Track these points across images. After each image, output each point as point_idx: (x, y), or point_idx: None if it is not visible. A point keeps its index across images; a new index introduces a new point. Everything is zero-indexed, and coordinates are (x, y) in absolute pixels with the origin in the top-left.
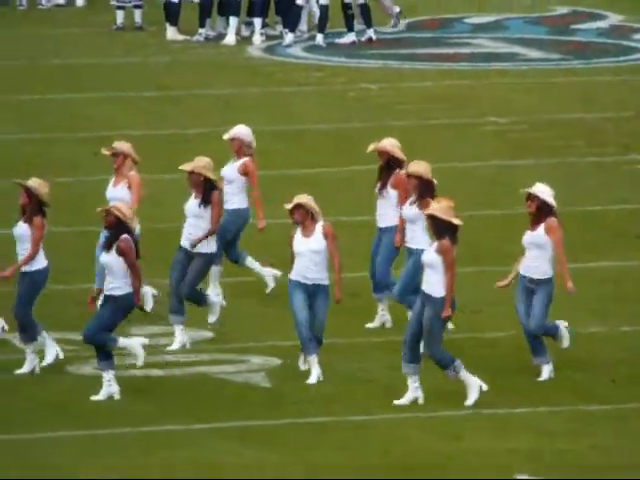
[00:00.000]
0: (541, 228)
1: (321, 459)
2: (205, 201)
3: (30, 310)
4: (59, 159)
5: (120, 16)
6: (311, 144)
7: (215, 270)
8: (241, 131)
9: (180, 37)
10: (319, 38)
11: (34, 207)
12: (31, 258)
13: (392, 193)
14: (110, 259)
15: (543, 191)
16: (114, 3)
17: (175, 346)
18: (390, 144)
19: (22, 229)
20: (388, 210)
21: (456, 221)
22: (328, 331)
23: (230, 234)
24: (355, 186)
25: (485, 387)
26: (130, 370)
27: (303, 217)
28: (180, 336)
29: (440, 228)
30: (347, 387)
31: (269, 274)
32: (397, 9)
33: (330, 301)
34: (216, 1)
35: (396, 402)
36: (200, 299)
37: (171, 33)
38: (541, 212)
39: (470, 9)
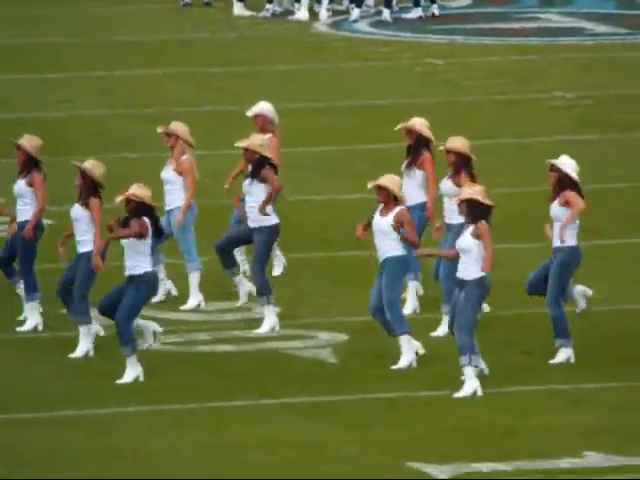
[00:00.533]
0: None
1: (389, 435)
2: (255, 177)
3: (88, 291)
4: (128, 135)
5: None
6: (377, 119)
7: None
8: (264, 107)
9: (247, 13)
10: (386, 13)
11: (89, 188)
12: (98, 238)
13: (418, 173)
14: (128, 241)
15: (565, 164)
16: None
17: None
18: (419, 123)
19: (77, 211)
20: (413, 189)
21: (491, 203)
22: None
23: None
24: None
25: (480, 393)
26: (198, 346)
27: (385, 199)
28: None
29: (477, 212)
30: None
31: (279, 260)
32: None
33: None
34: None
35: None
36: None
37: (238, 9)
38: (562, 184)
39: None
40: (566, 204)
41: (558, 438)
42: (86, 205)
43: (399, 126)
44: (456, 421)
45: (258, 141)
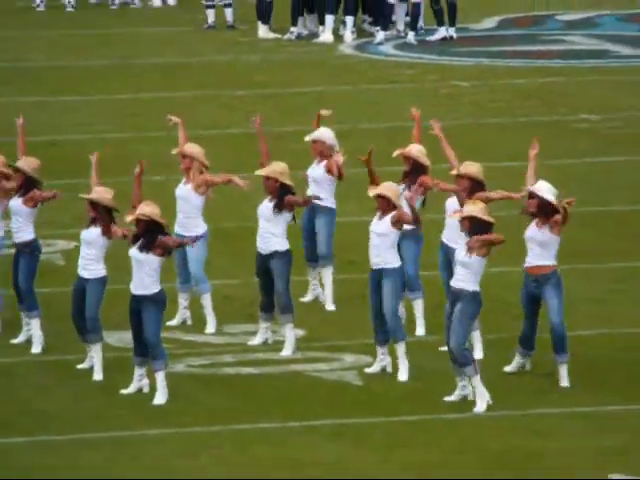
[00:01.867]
0: (547, 227)
1: (414, 457)
2: (278, 206)
3: (99, 311)
4: (151, 158)
5: (211, 15)
6: (402, 142)
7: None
8: (323, 134)
9: (272, 35)
10: (410, 36)
11: (103, 216)
12: None
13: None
14: (144, 257)
15: (543, 189)
16: (204, 2)
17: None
18: (416, 150)
19: (92, 235)
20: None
21: (492, 220)
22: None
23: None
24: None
25: (490, 402)
26: (223, 368)
27: (385, 207)
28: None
29: (477, 228)
30: (438, 384)
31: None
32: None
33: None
34: None
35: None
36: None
37: (263, 31)
38: (542, 210)
39: (558, 6)
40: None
41: (583, 460)
42: (109, 234)
43: (396, 153)
44: (482, 443)
45: (279, 168)
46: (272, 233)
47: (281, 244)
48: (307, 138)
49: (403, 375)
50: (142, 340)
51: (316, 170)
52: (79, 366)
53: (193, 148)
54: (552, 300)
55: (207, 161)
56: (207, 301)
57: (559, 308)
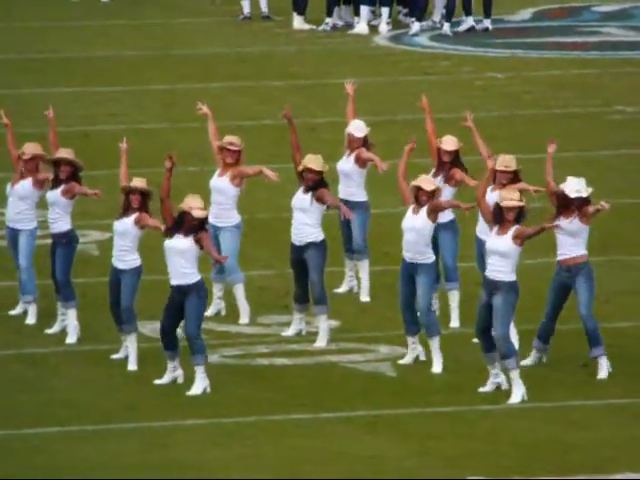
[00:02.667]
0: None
1: (449, 449)
2: (314, 197)
3: (134, 301)
4: (188, 149)
5: (246, 5)
6: (438, 133)
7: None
8: (354, 125)
9: (307, 27)
10: (446, 27)
11: (141, 206)
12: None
13: (447, 189)
14: (185, 245)
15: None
16: None
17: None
18: (452, 142)
19: (126, 225)
20: None
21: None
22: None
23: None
24: (482, 175)
25: (525, 397)
26: (257, 359)
27: (427, 199)
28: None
29: (520, 216)
30: (472, 376)
31: (350, 281)
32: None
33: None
34: None
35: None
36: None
37: (298, 22)
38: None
39: None
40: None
41: (619, 453)
42: (138, 222)
43: (432, 144)
44: (516, 435)
45: (321, 161)
46: (307, 224)
47: (316, 235)
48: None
49: (437, 367)
50: (170, 333)
51: (345, 163)
52: (113, 356)
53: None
54: (582, 292)
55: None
56: (240, 291)
57: (588, 301)
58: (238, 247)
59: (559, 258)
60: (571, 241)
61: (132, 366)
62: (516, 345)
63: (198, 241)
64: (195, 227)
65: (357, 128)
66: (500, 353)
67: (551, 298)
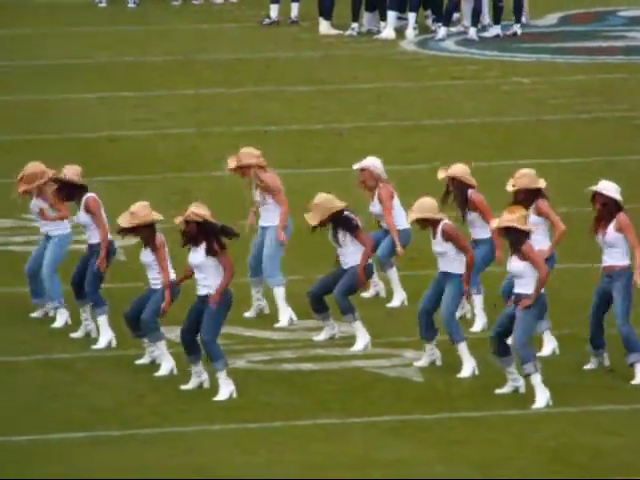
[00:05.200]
0: (611, 226)
1: (476, 454)
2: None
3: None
4: (213, 154)
5: (274, 9)
6: (464, 138)
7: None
8: (371, 162)
9: (333, 32)
10: (472, 32)
11: (148, 235)
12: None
13: (472, 215)
14: (200, 259)
15: (609, 189)
16: None
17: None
18: (461, 171)
19: (147, 257)
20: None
21: (530, 228)
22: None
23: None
24: (505, 182)
25: (550, 402)
26: (283, 364)
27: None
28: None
29: (518, 238)
30: (498, 381)
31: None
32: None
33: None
34: None
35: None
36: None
37: (324, 27)
38: (609, 210)
39: (621, 2)
40: (620, 229)
41: None
42: (153, 248)
43: (441, 175)
44: (543, 440)
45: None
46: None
47: (356, 261)
48: (355, 166)
49: (465, 372)
50: (188, 338)
51: (377, 206)
52: (138, 362)
53: (251, 158)
54: (617, 300)
55: (264, 161)
56: (280, 294)
57: (622, 309)
58: (279, 249)
59: (602, 265)
60: (608, 250)
61: (164, 371)
62: (556, 350)
63: (209, 251)
64: (193, 235)
65: (374, 165)
66: (519, 359)
67: (593, 302)
